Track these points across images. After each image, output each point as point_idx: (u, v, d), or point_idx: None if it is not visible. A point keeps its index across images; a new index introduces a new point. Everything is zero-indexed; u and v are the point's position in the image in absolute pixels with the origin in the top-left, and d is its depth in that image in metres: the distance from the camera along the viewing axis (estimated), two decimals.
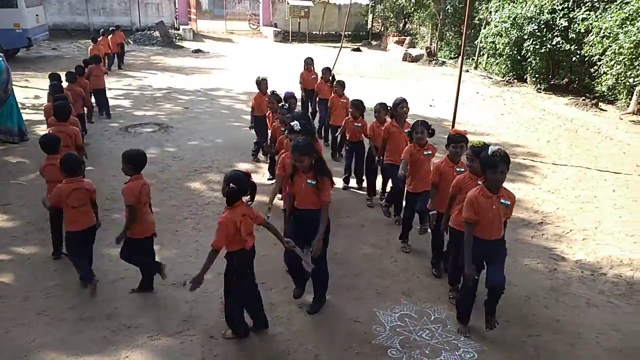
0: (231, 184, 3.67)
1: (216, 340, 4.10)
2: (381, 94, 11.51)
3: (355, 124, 7.05)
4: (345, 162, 7.43)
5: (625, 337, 4.35)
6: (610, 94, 13.74)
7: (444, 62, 21.02)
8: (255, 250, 4.01)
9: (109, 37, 15.95)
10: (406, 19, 28.09)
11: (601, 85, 13.17)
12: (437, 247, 5.16)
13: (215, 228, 3.75)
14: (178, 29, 26.00)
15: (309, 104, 9.94)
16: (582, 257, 5.75)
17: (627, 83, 12.20)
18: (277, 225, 4.28)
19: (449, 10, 21.85)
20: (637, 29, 11.26)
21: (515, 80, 16.84)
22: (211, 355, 3.94)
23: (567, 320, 4.55)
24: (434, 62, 20.81)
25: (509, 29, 15.43)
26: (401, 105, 6.09)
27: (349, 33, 27.25)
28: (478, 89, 15.73)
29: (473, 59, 19.46)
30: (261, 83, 8.21)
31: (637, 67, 11.44)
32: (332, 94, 8.39)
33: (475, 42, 18.98)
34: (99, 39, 15.06)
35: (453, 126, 9.51)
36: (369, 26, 29.60)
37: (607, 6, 13.10)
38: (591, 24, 13.20)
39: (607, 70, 12.48)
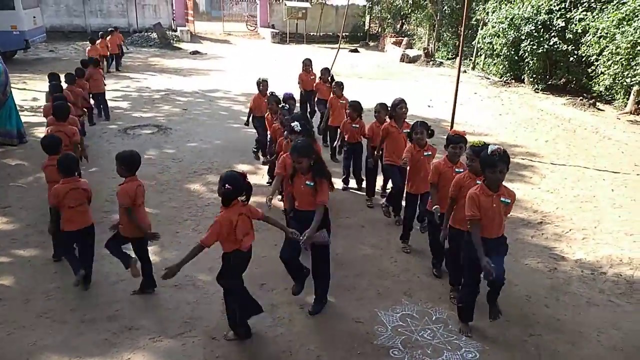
0: (227, 185, 3.67)
1: (218, 341, 4.10)
2: (379, 94, 11.53)
3: (354, 125, 7.07)
4: (344, 163, 7.44)
5: (625, 336, 4.36)
6: (607, 93, 13.80)
7: (441, 62, 21.07)
8: (252, 252, 4.01)
9: (108, 38, 15.93)
10: (403, 20, 28.16)
11: (598, 85, 13.21)
12: (437, 247, 5.17)
13: None
14: (175, 31, 26.00)
15: (308, 104, 9.95)
16: (582, 257, 5.77)
17: (624, 83, 12.25)
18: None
19: (446, 11, 21.90)
20: (634, 29, 11.31)
21: (513, 81, 16.89)
22: (213, 357, 3.94)
23: (568, 320, 4.56)
24: (431, 62, 20.85)
25: (507, 29, 15.48)
26: (400, 105, 6.11)
27: (347, 34, 27.28)
28: (476, 89, 15.77)
29: (471, 60, 19.51)
30: (262, 84, 8.22)
31: (634, 67, 11.48)
32: (331, 95, 8.40)
33: (473, 42, 19.02)
34: (97, 42, 15.05)
35: (452, 127, 9.54)
36: (367, 27, 29.67)
37: (604, 6, 13.15)
38: (588, 24, 13.25)
39: (605, 70, 12.52)
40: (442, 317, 4.52)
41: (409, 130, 5.87)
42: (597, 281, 5.27)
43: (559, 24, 14.58)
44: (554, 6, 14.88)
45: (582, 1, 14.21)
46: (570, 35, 14.27)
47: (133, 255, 4.65)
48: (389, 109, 6.33)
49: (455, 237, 4.46)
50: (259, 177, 7.73)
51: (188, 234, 5.90)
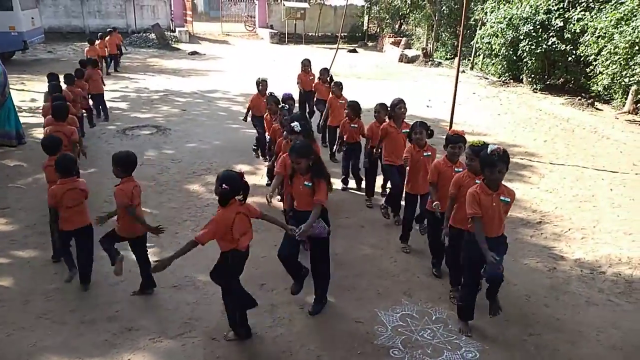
0: (224, 185, 3.67)
1: (218, 342, 4.10)
2: (378, 95, 11.54)
3: (352, 125, 7.07)
4: (343, 164, 7.44)
5: (625, 335, 4.37)
6: (605, 93, 13.81)
7: (440, 63, 21.08)
8: (249, 251, 4.01)
9: (107, 38, 15.91)
10: (402, 20, 28.17)
11: (597, 85, 13.23)
12: (437, 247, 5.18)
13: None
14: (174, 31, 25.99)
15: (307, 105, 9.96)
16: (581, 256, 5.78)
17: (623, 83, 12.27)
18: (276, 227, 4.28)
19: (445, 11, 21.92)
20: (632, 29, 11.33)
21: (512, 81, 16.91)
22: (213, 357, 3.94)
23: (568, 319, 4.57)
24: (429, 63, 20.87)
25: (505, 29, 15.49)
26: (399, 105, 6.11)
27: (345, 34, 27.28)
28: (474, 89, 15.78)
29: (469, 60, 19.53)
30: (261, 84, 8.23)
31: (633, 66, 11.50)
32: (330, 95, 8.41)
33: (471, 42, 19.03)
34: (97, 42, 15.03)
35: (450, 127, 9.55)
36: (365, 27, 29.68)
37: (602, 6, 13.18)
38: (586, 24, 13.28)
39: (603, 70, 12.54)
40: (442, 317, 4.52)
41: (408, 130, 5.89)
42: (597, 280, 5.28)
43: (557, 24, 14.61)
44: (553, 6, 14.90)
45: (580, 1, 14.24)
46: (569, 35, 14.29)
47: (129, 256, 4.64)
48: (389, 109, 6.34)
49: (455, 237, 4.46)
50: (258, 177, 7.74)
51: (187, 234, 5.88)
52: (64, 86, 8.45)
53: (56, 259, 5.15)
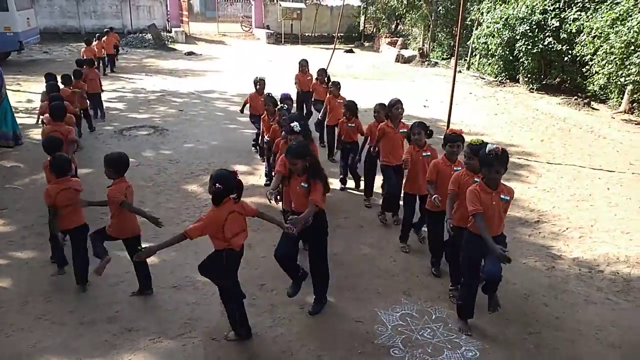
0: (217, 184, 3.66)
1: (218, 342, 4.10)
2: (375, 95, 11.56)
3: (349, 124, 7.08)
4: (341, 163, 7.45)
5: (624, 334, 4.40)
6: (602, 93, 13.87)
7: (436, 63, 21.11)
8: (244, 250, 4.00)
9: (104, 38, 15.86)
10: (398, 20, 28.19)
11: (593, 84, 13.28)
12: (436, 246, 5.19)
13: None
14: (170, 32, 25.93)
15: (304, 105, 9.96)
16: (579, 255, 5.80)
17: (619, 82, 12.31)
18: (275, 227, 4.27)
19: (441, 12, 21.96)
20: (628, 29, 11.38)
21: (508, 81, 16.95)
22: (214, 358, 3.94)
23: (567, 318, 4.59)
24: (426, 63, 20.89)
25: (501, 29, 15.54)
26: (396, 106, 6.11)
27: (342, 35, 27.29)
28: (471, 89, 15.82)
29: (465, 60, 19.57)
30: (259, 83, 8.23)
31: (628, 66, 11.55)
32: (328, 95, 8.42)
33: (468, 42, 19.08)
34: (94, 43, 14.97)
35: (448, 126, 9.56)
36: (361, 27, 29.69)
37: (597, 6, 13.23)
38: (582, 24, 13.33)
39: (599, 70, 12.58)
40: (441, 316, 4.53)
41: (405, 131, 5.90)
42: (595, 279, 5.30)
43: (553, 24, 14.66)
44: (549, 6, 14.96)
45: (576, 1, 14.30)
46: (565, 35, 14.34)
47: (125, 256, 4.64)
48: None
49: (456, 236, 4.46)
50: (256, 177, 7.74)
51: None
52: (61, 87, 8.44)
53: (55, 260, 5.13)
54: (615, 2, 12.24)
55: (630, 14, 11.60)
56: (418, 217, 5.77)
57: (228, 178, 3.70)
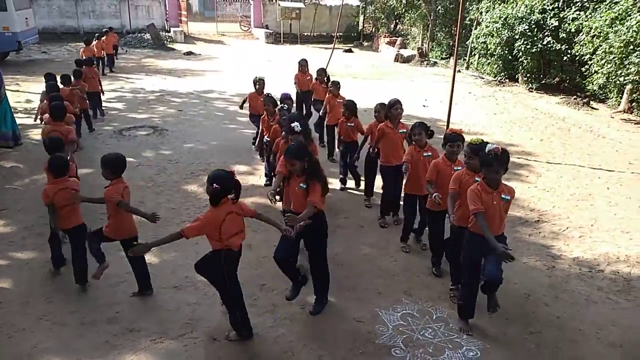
0: (214, 184, 3.65)
1: (219, 342, 4.10)
2: (374, 94, 11.56)
3: (349, 124, 7.09)
4: (341, 163, 7.45)
5: (625, 333, 4.40)
6: (601, 92, 13.88)
7: (435, 62, 21.11)
8: (242, 251, 3.99)
9: (103, 38, 15.84)
10: (397, 20, 28.19)
11: (592, 84, 13.29)
12: (436, 246, 5.20)
13: None
14: (169, 31, 25.90)
15: (304, 105, 9.95)
16: (579, 255, 5.81)
17: (618, 82, 12.32)
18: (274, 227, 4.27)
19: (440, 11, 21.95)
20: (627, 29, 11.39)
21: (507, 80, 16.96)
22: (215, 358, 3.94)
23: (568, 317, 4.59)
24: (425, 62, 20.89)
25: (500, 29, 15.54)
26: (395, 106, 6.11)
27: (341, 34, 27.27)
28: (470, 89, 15.83)
29: (465, 59, 19.57)
30: (258, 83, 8.23)
31: (627, 66, 11.56)
32: (328, 94, 8.42)
33: (467, 42, 19.09)
34: (93, 43, 14.95)
35: (447, 126, 9.56)
36: (360, 27, 29.68)
37: (596, 6, 13.23)
38: (581, 23, 13.33)
39: (598, 69, 12.59)
40: (442, 316, 4.54)
41: (404, 131, 5.90)
42: (595, 279, 5.30)
43: (552, 24, 14.67)
44: (548, 5, 14.96)
45: (575, 1, 14.29)
46: (564, 35, 14.35)
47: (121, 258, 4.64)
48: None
49: (457, 235, 4.47)
50: (256, 177, 7.73)
51: None
52: (60, 87, 8.43)
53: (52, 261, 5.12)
54: (615, 1, 12.24)
55: (629, 13, 11.61)
56: (418, 220, 5.76)
57: (225, 178, 3.69)
